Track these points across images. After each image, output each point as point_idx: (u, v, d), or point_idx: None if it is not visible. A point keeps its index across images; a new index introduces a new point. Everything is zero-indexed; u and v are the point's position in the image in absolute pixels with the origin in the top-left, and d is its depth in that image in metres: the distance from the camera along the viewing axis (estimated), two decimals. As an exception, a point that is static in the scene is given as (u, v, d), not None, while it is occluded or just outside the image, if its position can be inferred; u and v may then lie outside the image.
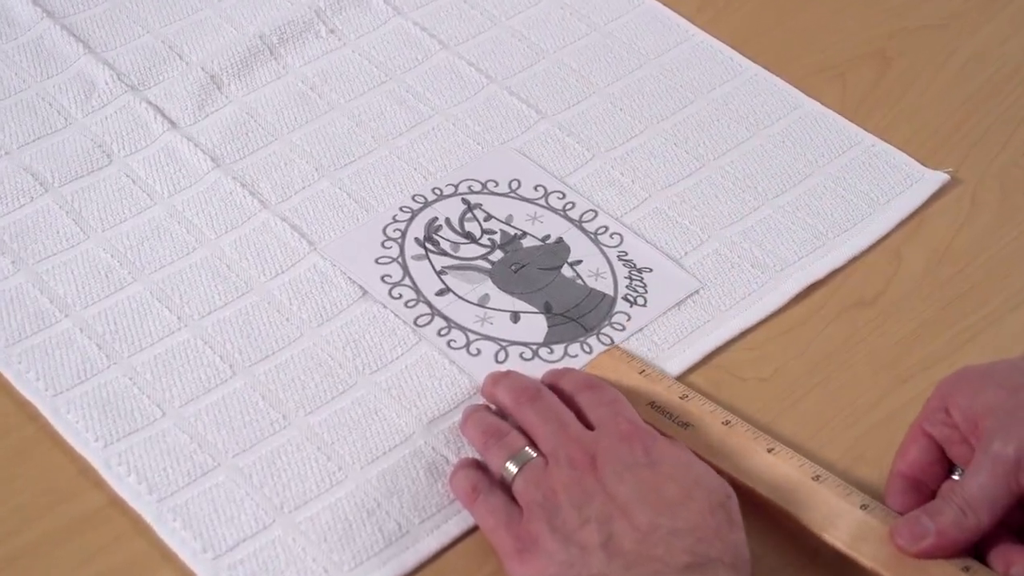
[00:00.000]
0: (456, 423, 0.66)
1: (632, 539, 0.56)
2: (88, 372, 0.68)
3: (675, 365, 0.69)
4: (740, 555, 0.57)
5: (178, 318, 0.70)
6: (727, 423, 0.64)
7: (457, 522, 0.62)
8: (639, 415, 0.62)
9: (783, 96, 0.83)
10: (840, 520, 0.60)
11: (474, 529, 0.62)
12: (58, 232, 0.74)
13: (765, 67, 0.84)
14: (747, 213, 0.76)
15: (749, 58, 0.84)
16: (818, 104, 0.82)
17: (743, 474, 0.62)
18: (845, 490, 0.61)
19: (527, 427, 0.62)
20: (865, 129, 0.81)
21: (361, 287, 0.72)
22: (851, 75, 0.84)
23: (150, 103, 0.81)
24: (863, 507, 0.60)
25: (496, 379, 0.65)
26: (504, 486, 0.61)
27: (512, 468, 0.61)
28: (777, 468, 0.62)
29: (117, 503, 0.63)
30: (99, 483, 0.64)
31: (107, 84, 0.81)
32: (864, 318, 0.72)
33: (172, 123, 0.80)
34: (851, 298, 0.73)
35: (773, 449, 0.63)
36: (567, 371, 0.66)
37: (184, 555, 0.61)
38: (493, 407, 0.65)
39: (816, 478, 0.62)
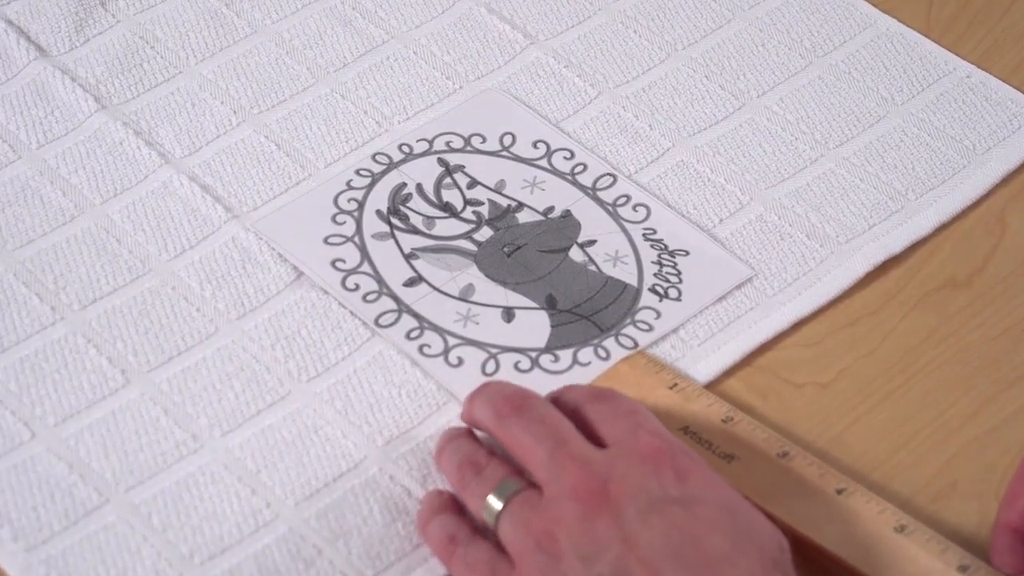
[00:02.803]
0: (421, 444, 0.66)
1: None
2: (-67, 380, 0.68)
3: (707, 367, 0.69)
4: None
5: (52, 308, 0.70)
6: (784, 455, 0.64)
7: (423, 574, 0.62)
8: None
9: (849, 11, 0.83)
10: None
11: (446, 584, 0.62)
12: None
13: (824, -25, 0.84)
14: (801, 167, 0.77)
15: (803, -37, 0.85)
16: (895, 21, 0.82)
17: (805, 523, 0.62)
18: (939, 545, 0.61)
19: (513, 449, 0.61)
20: (958, 55, 0.81)
21: (295, 267, 0.72)
22: (938, -15, 0.85)
23: (10, 23, 0.80)
24: (962, 568, 0.60)
25: (474, 393, 0.64)
26: (491, 531, 0.61)
27: (495, 504, 0.60)
28: (850, 516, 0.62)
29: (-27, 553, 0.63)
30: (-51, 527, 0.63)
31: (-45, 0, 0.81)
32: (956, 304, 0.72)
33: (41, 50, 0.80)
34: (939, 278, 0.73)
35: (844, 490, 0.63)
36: (570, 386, 0.65)
37: (62, 621, 0.61)
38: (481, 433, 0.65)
39: (900, 529, 0.61)
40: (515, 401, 0.62)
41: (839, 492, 0.63)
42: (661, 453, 0.59)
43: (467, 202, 0.75)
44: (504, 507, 0.60)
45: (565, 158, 0.76)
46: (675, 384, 0.67)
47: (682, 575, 0.55)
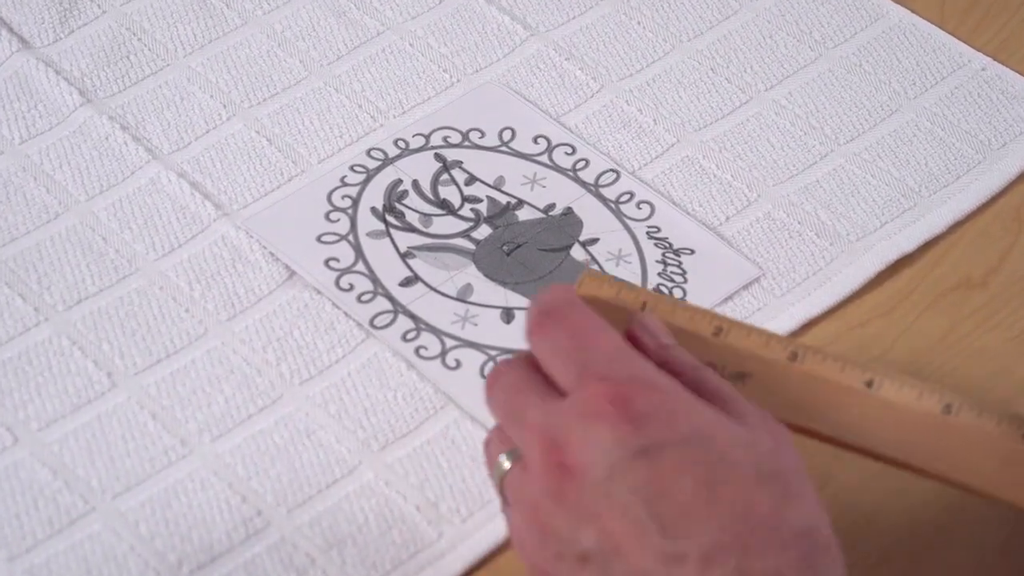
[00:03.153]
0: (418, 449, 0.66)
1: None
2: (-88, 384, 0.67)
3: (714, 370, 0.69)
4: (814, 545, 0.52)
5: (35, 309, 0.70)
6: (794, 356, 0.60)
7: (420, 584, 0.63)
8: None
9: (860, 2, 0.83)
10: (992, 461, 0.58)
11: (444, 594, 0.62)
12: None
13: (834, -35, 0.84)
14: (810, 163, 0.76)
15: (812, -47, 0.85)
16: (908, 12, 0.82)
17: (837, 427, 0.59)
18: (993, 419, 0.59)
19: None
20: (973, 47, 0.81)
21: (288, 266, 0.71)
22: (952, -26, 0.84)
23: (-5, 16, 0.80)
24: None
25: None
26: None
27: (504, 464, 0.58)
28: (886, 408, 0.59)
29: (-47, 563, 0.63)
30: (-72, 535, 0.63)
31: (-65, -10, 0.81)
32: (971, 305, 0.72)
33: (24, 41, 0.80)
34: (953, 278, 0.73)
35: (873, 382, 0.60)
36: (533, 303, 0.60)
37: (46, 633, 0.61)
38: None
39: (947, 409, 0.59)
40: (495, 374, 0.59)
41: (869, 384, 0.60)
42: (613, 403, 0.54)
43: (465, 199, 0.74)
44: (508, 470, 0.57)
45: (566, 154, 0.76)
46: (620, 292, 0.61)
47: (653, 540, 0.52)
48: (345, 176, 0.75)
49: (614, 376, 0.55)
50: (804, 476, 0.55)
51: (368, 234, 0.73)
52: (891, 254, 0.73)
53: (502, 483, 0.57)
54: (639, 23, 0.82)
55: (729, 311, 0.71)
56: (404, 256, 0.72)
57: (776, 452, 0.55)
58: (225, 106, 0.78)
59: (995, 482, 0.59)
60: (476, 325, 0.70)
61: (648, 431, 0.53)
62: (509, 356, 0.62)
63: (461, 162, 0.76)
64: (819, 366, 0.60)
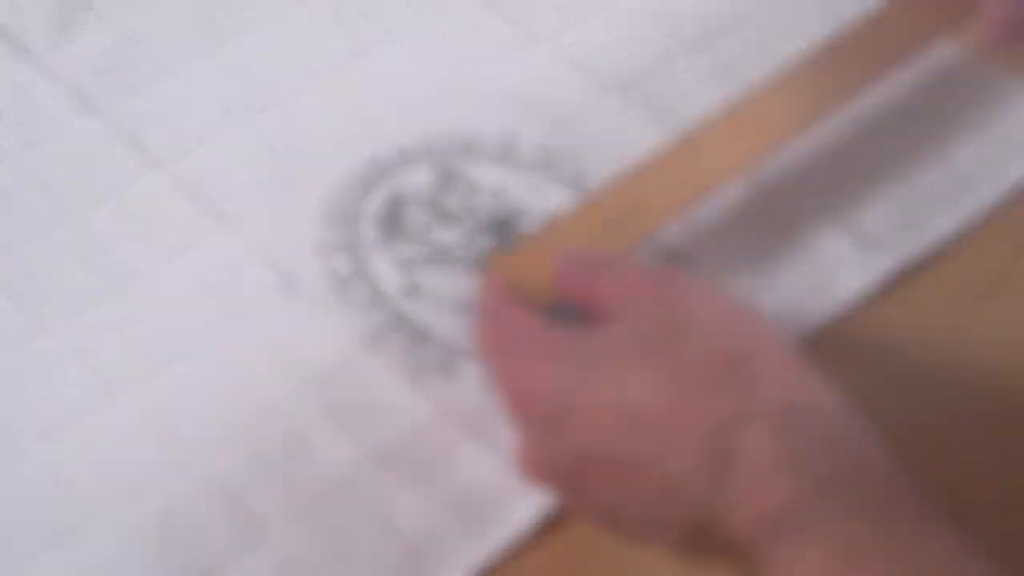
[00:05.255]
0: (418, 461, 0.66)
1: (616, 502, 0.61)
2: (-90, 394, 0.68)
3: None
4: (737, 355, 0.60)
5: (34, 320, 0.71)
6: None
7: (422, 596, 0.63)
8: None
9: (863, 7, 0.83)
10: None
11: (444, 606, 0.63)
12: None
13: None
14: (813, 171, 0.77)
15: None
16: (913, 22, 0.83)
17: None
18: None
19: None
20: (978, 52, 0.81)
21: (288, 276, 0.72)
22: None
23: (-9, 22, 0.81)
24: None
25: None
26: None
27: None
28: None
29: (-49, 574, 0.64)
30: (-74, 547, 0.64)
31: (-72, -4, 0.82)
32: (976, 315, 0.72)
33: (21, 49, 0.81)
34: (960, 288, 0.73)
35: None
36: None
37: (45, 646, 0.62)
38: None
39: None
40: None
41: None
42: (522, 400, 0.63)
43: (467, 209, 0.75)
44: None
45: (570, 163, 0.77)
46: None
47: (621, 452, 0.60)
48: (346, 184, 0.76)
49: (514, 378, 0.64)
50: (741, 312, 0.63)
51: (369, 243, 0.74)
52: (894, 264, 0.73)
53: None
54: (642, 30, 0.82)
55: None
56: (405, 265, 0.73)
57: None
58: (225, 114, 0.78)
59: None
60: (478, 336, 0.71)
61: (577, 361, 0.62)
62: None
63: (463, 171, 0.76)
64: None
